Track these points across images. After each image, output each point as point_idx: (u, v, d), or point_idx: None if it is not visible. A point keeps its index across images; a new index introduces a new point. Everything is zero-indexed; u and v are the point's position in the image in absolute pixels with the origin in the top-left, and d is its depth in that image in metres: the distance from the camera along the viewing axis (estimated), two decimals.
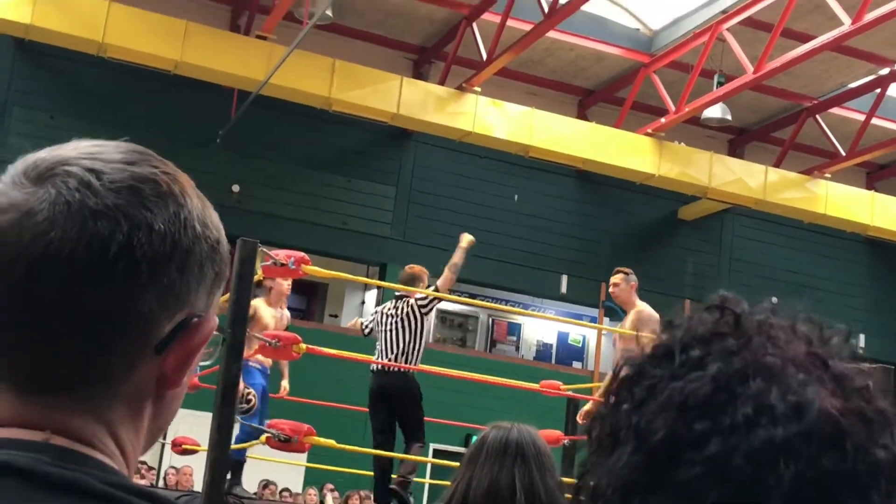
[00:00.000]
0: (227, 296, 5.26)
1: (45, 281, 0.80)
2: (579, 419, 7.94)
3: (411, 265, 7.90)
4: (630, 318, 7.31)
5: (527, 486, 1.95)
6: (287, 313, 8.73)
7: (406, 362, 7.26)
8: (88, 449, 0.82)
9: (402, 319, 7.35)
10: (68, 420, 0.82)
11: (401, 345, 7.29)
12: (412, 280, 7.57)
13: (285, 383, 8.99)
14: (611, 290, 7.57)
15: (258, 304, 8.05)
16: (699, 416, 0.67)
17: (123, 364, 0.83)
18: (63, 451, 0.80)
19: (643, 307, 7.31)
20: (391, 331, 7.34)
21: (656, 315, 7.10)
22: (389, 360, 7.22)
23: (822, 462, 0.65)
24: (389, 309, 7.53)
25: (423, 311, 7.39)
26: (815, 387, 0.68)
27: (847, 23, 12.14)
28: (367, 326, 7.78)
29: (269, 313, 8.30)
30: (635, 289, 7.44)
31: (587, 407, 7.67)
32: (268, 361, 8.35)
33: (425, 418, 7.51)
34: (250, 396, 7.87)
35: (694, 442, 0.66)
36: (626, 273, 7.51)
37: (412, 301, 7.42)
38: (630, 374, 0.72)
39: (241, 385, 7.94)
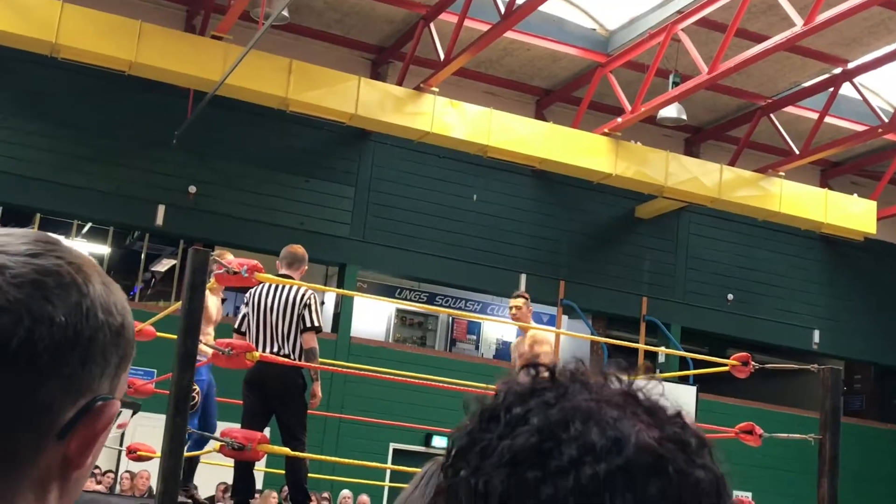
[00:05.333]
0: (179, 304, 5.24)
1: None
2: None
3: (296, 245, 7.38)
4: (527, 341, 8.13)
5: None
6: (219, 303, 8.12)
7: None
8: None
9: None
10: None
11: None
12: (296, 260, 7.11)
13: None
14: (513, 312, 8.28)
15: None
16: (530, 466, 0.71)
17: (27, 450, 0.85)
18: None
19: (538, 331, 8.32)
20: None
21: (550, 337, 8.24)
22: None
23: (649, 489, 0.70)
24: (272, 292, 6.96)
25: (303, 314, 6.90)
26: (631, 421, 0.73)
27: (799, 23, 12.28)
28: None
29: (215, 303, 7.85)
30: (531, 312, 8.27)
31: None
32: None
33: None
34: (194, 394, 7.35)
35: (529, 491, 0.70)
36: (525, 297, 8.28)
37: (303, 294, 6.92)
38: (463, 444, 0.76)
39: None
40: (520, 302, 8.21)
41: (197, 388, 7.39)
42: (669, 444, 0.72)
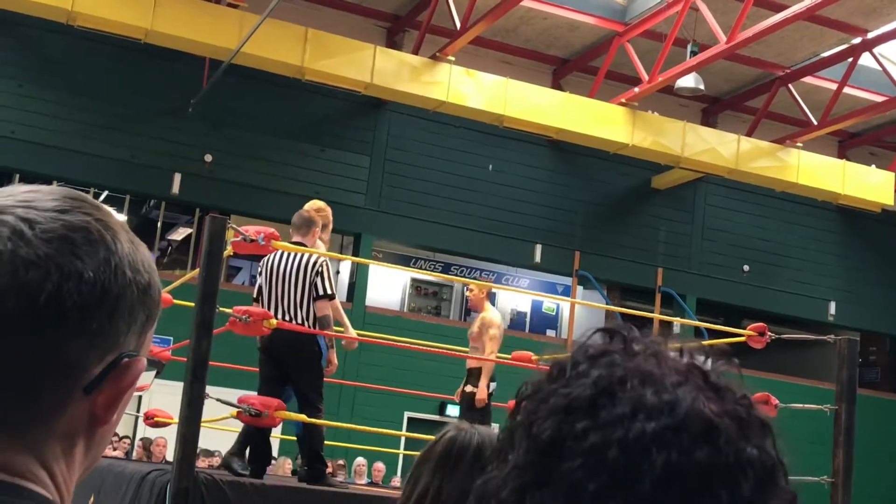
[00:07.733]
0: (196, 272, 5.25)
1: None
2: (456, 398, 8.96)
3: (305, 208, 7.26)
4: (476, 324, 8.60)
5: None
6: None
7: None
8: (23, 481, 0.85)
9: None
10: (4, 456, 0.85)
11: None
12: (304, 224, 6.97)
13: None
14: (468, 294, 8.96)
15: None
16: (582, 415, 0.73)
17: (54, 405, 0.86)
18: (1, 484, 0.84)
19: (489, 312, 8.58)
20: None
21: (497, 319, 8.55)
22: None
23: (696, 454, 0.71)
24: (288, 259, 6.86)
25: (315, 280, 6.77)
26: (691, 388, 0.74)
27: None
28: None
29: None
30: (487, 294, 8.66)
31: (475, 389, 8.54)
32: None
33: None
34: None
35: (575, 436, 0.72)
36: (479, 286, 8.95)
37: (314, 261, 6.79)
38: (527, 393, 0.79)
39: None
40: (474, 285, 9.08)
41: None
42: (727, 419, 0.74)
